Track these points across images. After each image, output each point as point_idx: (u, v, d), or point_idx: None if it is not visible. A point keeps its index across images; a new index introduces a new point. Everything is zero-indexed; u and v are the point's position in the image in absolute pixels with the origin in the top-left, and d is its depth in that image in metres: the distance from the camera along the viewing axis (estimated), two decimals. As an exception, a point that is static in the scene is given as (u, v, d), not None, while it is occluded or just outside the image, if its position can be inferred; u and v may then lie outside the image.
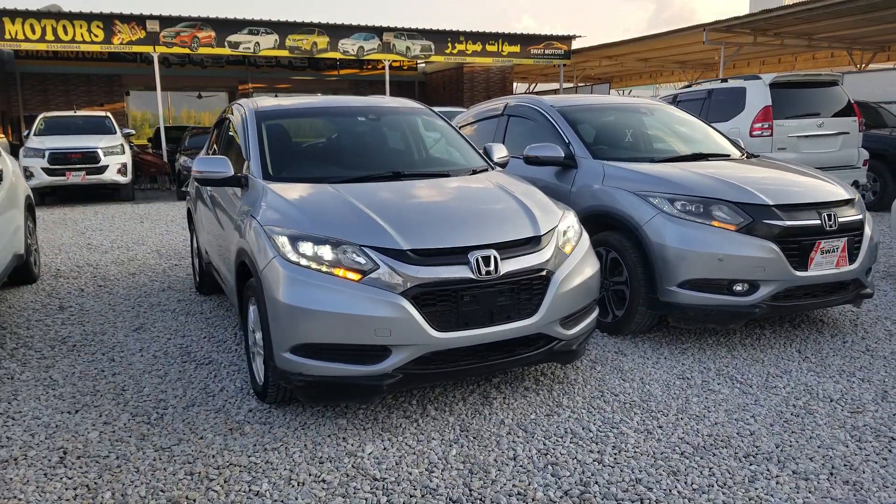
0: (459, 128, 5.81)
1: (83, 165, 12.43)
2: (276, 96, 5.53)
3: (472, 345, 3.10)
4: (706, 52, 20.48)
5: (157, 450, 2.99)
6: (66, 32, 15.64)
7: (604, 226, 4.52)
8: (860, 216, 4.31)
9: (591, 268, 3.53)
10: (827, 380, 3.71)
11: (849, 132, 8.67)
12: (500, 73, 23.43)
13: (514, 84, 25.98)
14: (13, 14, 15.17)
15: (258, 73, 22.97)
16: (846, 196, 4.33)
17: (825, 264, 4.11)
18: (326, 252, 3.06)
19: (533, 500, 2.58)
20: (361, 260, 3.03)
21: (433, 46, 19.14)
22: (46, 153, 12.27)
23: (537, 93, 17.59)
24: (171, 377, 3.86)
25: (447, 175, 4.14)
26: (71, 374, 3.93)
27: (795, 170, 4.84)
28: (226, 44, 17.01)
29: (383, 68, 19.74)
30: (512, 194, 3.68)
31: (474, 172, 4.21)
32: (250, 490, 2.67)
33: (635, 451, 2.94)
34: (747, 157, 5.24)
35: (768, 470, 2.77)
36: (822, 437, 3.06)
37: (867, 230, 4.33)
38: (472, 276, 3.04)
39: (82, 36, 15.80)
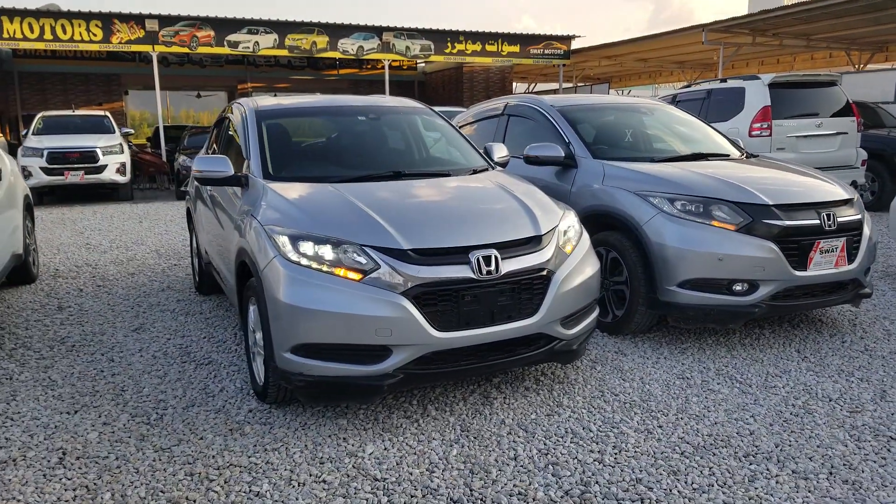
0: (459, 127, 5.81)
1: (82, 165, 12.40)
2: (276, 96, 5.52)
3: (472, 345, 3.10)
4: (705, 53, 20.51)
5: (156, 450, 2.99)
6: (64, 31, 15.61)
7: (604, 225, 4.52)
8: (859, 216, 4.31)
9: (591, 267, 3.54)
10: (826, 379, 3.71)
11: (847, 132, 8.69)
12: (499, 73, 23.44)
13: (514, 84, 26.00)
14: (11, 13, 15.14)
15: (257, 73, 22.96)
16: (845, 196, 4.34)
17: (824, 264, 4.11)
18: (327, 252, 3.06)
19: (534, 500, 2.58)
20: (362, 259, 3.03)
21: (433, 46, 19.15)
22: (45, 153, 12.24)
23: (537, 93, 17.57)
24: (171, 377, 3.86)
25: (448, 174, 4.13)
26: (70, 375, 3.92)
27: (795, 170, 4.85)
28: (225, 43, 16.99)
29: (383, 68, 19.73)
30: (512, 194, 3.68)
31: (475, 172, 4.21)
32: (251, 490, 2.66)
33: (636, 451, 2.94)
34: (747, 157, 5.25)
35: (768, 469, 2.78)
36: (822, 436, 3.06)
37: (866, 230, 4.34)
38: (472, 275, 3.04)
39: (81, 35, 15.77)
